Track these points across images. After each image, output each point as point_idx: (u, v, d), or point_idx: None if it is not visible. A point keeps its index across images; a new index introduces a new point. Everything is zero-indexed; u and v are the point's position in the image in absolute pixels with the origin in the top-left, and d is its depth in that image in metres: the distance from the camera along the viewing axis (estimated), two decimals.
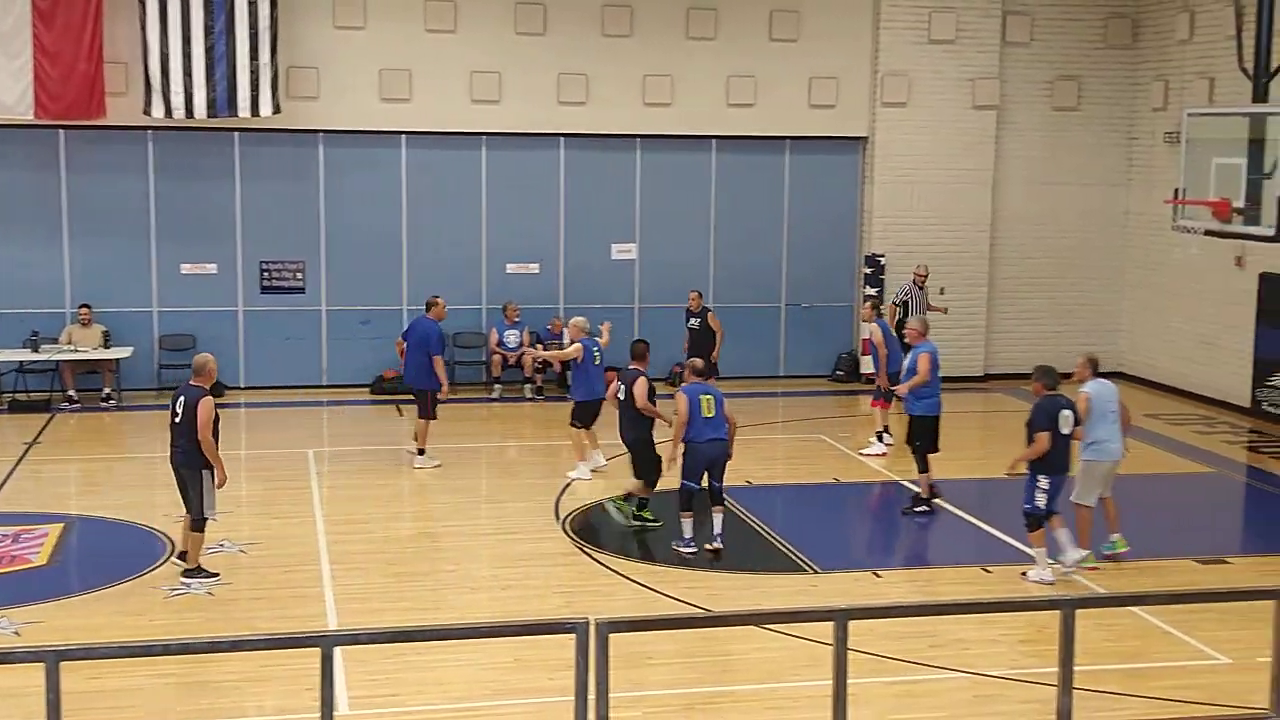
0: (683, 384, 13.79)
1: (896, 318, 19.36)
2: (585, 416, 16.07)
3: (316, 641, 6.68)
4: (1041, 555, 12.59)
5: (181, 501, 12.47)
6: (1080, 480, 13.06)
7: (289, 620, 11.40)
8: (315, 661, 6.62)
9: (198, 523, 12.31)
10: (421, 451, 16.56)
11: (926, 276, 20.56)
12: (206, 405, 12.09)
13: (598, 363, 16.07)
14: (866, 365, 19.59)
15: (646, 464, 14.13)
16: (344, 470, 16.48)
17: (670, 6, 21.33)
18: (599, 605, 11.61)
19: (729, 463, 13.51)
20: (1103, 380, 13.24)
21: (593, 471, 16.06)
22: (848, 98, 21.95)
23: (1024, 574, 12.69)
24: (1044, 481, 12.43)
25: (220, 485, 12.29)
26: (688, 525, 13.43)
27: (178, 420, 12.22)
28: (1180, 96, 21.00)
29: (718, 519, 13.48)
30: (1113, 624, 11.23)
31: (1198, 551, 13.63)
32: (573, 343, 16.19)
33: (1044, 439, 12.30)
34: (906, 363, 15.24)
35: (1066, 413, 12.44)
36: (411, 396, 17.02)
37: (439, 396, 16.50)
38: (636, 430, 14.18)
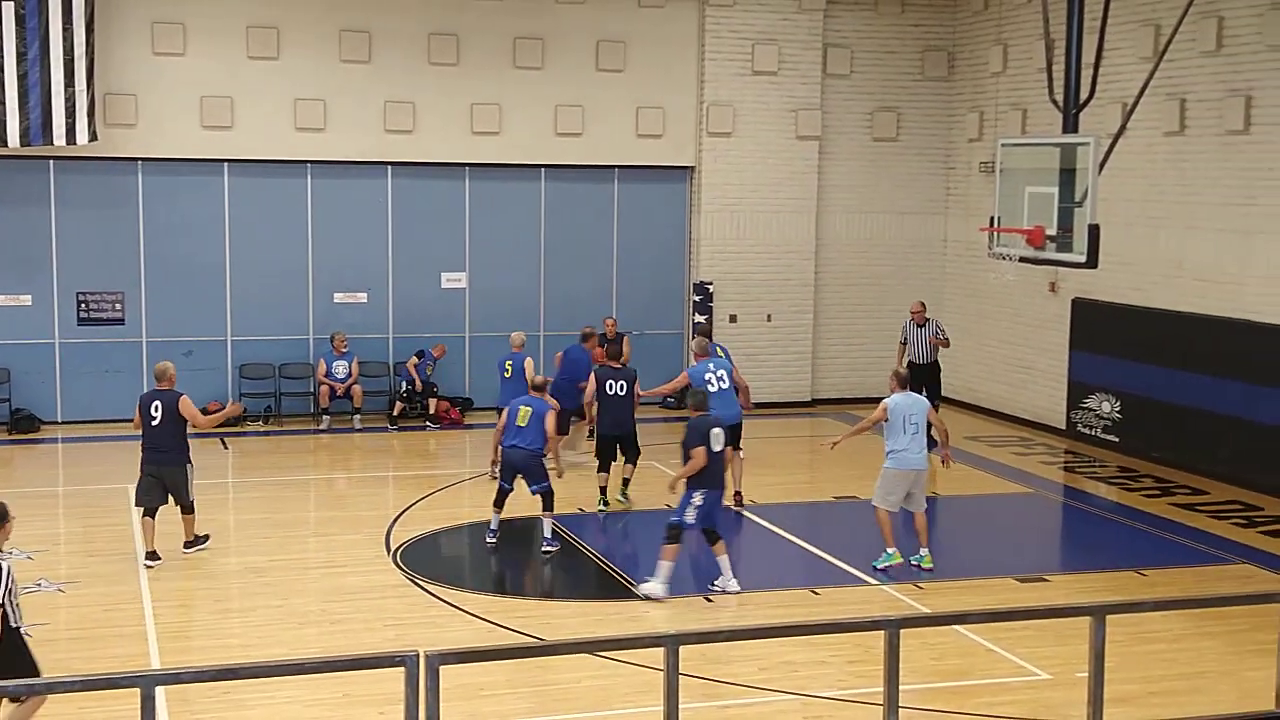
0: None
1: (903, 356, 19.37)
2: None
3: (136, 681, 6.48)
4: (665, 570, 12.86)
5: (141, 499, 13.70)
6: (879, 484, 13.73)
7: (109, 660, 11.08)
8: (136, 702, 6.44)
9: (188, 507, 13.87)
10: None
11: (923, 312, 19.64)
12: (185, 401, 13.65)
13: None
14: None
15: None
16: (166, 506, 16.04)
17: (497, 36, 21.35)
18: (431, 637, 11.50)
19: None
20: (909, 393, 13.86)
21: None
22: (674, 127, 22.21)
23: (641, 583, 13.05)
24: (698, 498, 12.89)
25: (238, 413, 15.07)
26: (495, 519, 14.37)
27: (156, 424, 13.58)
28: (994, 127, 21.67)
29: (545, 524, 14.34)
30: (937, 643, 11.48)
31: (1017, 570, 14.02)
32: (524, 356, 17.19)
33: (700, 454, 12.74)
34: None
35: (717, 431, 13.01)
36: None
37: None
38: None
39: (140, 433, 13.91)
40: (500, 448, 14.41)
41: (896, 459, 13.59)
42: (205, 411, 14.93)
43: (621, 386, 15.96)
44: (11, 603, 8.65)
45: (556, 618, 12.49)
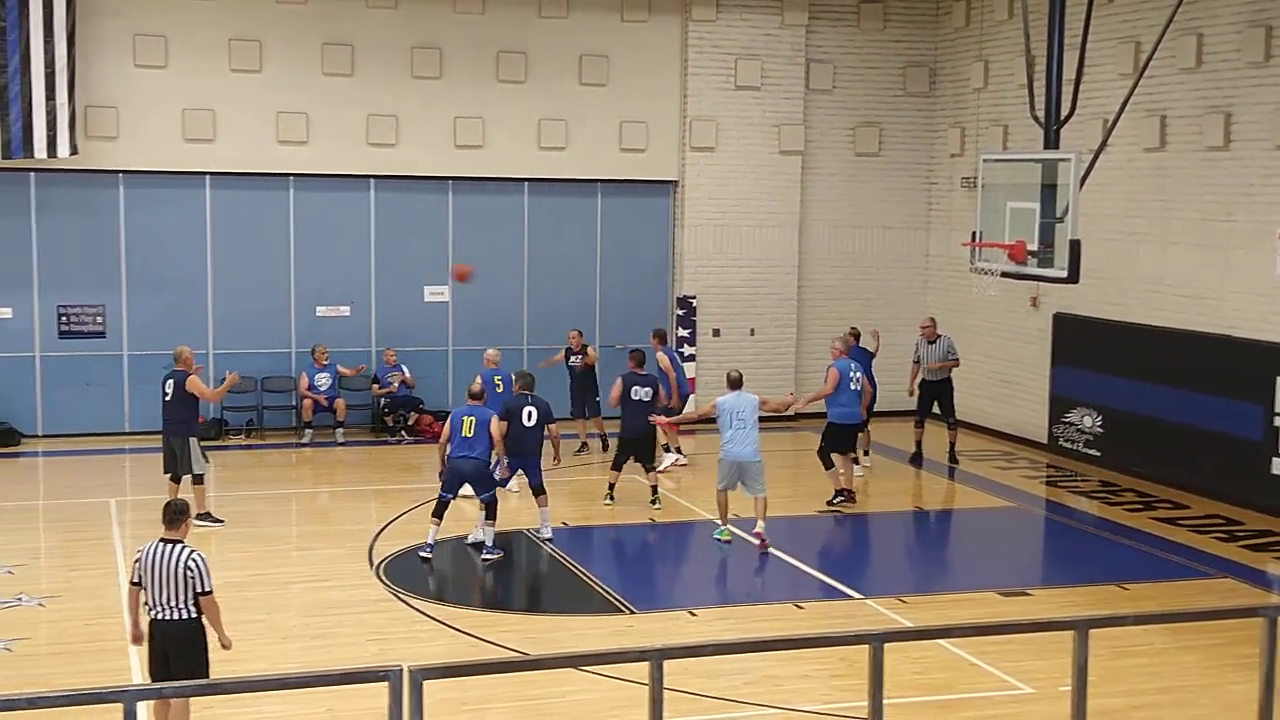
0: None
1: (916, 376, 19.46)
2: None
3: (118, 696, 6.45)
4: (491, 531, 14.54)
5: (167, 467, 15.51)
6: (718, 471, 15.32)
7: (91, 675, 11.00)
8: (119, 718, 6.40)
9: (197, 478, 15.37)
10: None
11: (933, 328, 19.47)
12: (193, 379, 15.42)
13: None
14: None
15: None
16: (148, 520, 15.87)
17: (480, 49, 21.36)
18: (415, 652, 11.47)
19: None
20: (739, 393, 15.24)
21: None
22: (658, 142, 22.24)
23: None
24: (502, 466, 14.96)
25: (237, 381, 16.74)
26: (432, 531, 14.49)
27: (168, 399, 15.47)
28: (976, 143, 21.75)
29: (479, 532, 14.78)
30: (921, 657, 11.49)
31: (1000, 584, 14.03)
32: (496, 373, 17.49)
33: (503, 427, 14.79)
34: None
35: (529, 409, 15.08)
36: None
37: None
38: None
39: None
40: (447, 459, 14.58)
41: (724, 450, 15.26)
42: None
43: (646, 393, 16.81)
44: None
45: (541, 632, 12.46)
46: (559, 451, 16.18)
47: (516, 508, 16.03)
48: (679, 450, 19.24)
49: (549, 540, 15.15)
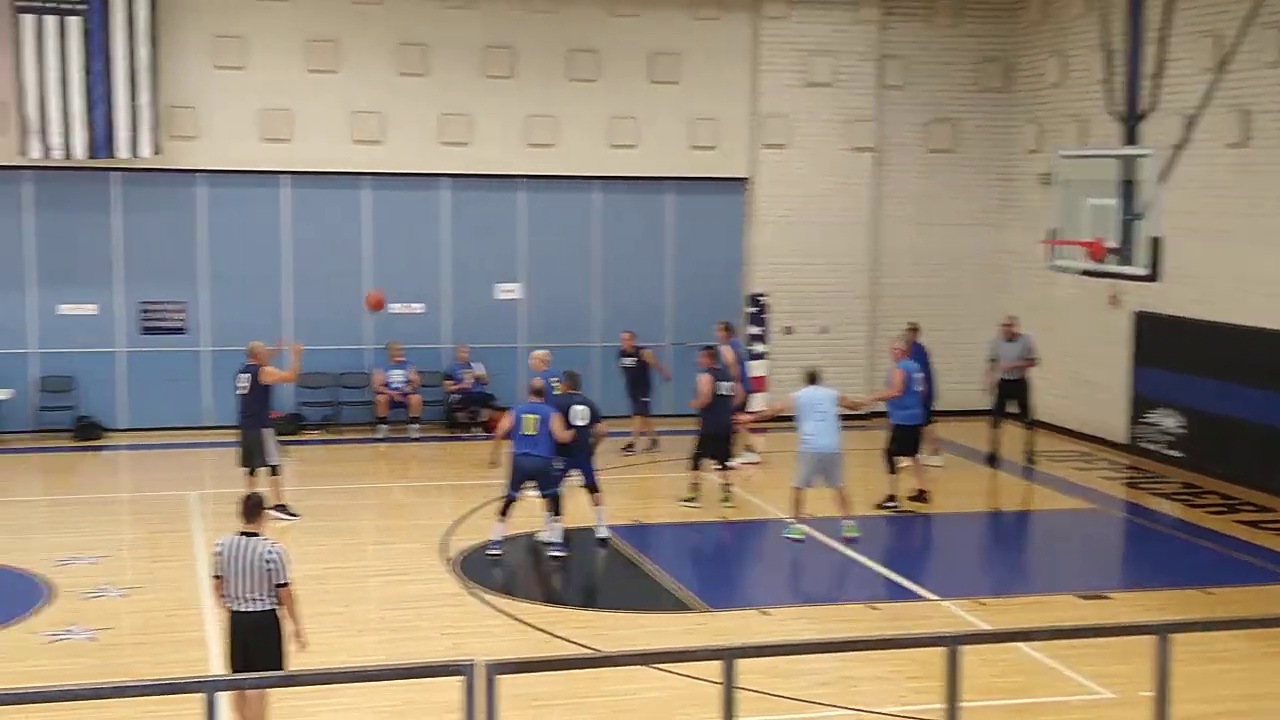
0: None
1: (992, 374, 19.31)
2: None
3: (200, 686, 6.54)
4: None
5: (243, 460, 15.60)
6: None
7: (171, 665, 11.16)
8: (199, 707, 6.49)
9: (273, 469, 15.54)
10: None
11: (1013, 326, 19.25)
12: (267, 370, 15.53)
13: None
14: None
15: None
16: (227, 513, 16.08)
17: (552, 48, 21.43)
18: (488, 647, 11.52)
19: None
20: (816, 387, 15.40)
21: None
22: (729, 139, 22.20)
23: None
24: (558, 463, 14.65)
25: (300, 351, 16.31)
26: (498, 529, 14.48)
27: (243, 393, 15.53)
28: (1052, 139, 21.52)
29: (548, 531, 14.69)
30: (997, 660, 11.37)
31: (1079, 587, 13.85)
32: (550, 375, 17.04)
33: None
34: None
35: (578, 408, 14.78)
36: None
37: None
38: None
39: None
40: (511, 457, 14.56)
41: (804, 442, 15.37)
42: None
43: (729, 388, 16.87)
44: None
45: (611, 629, 12.47)
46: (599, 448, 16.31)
47: (587, 504, 16.03)
48: (751, 449, 19.18)
49: (605, 540, 15.06)
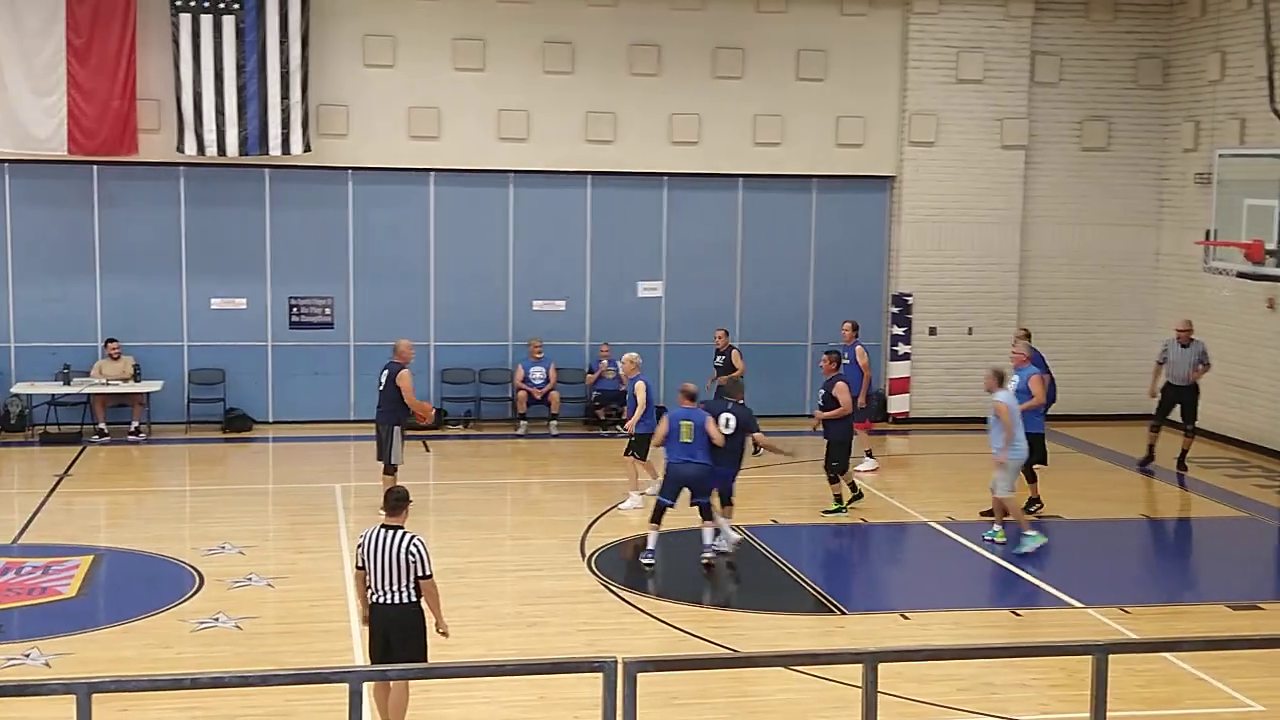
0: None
1: (1159, 377, 18.89)
2: (642, 448, 16.52)
3: (345, 677, 6.64)
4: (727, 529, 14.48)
5: (379, 454, 15.67)
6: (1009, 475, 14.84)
7: (316, 655, 11.37)
8: (343, 697, 6.58)
9: (391, 468, 15.57)
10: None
11: (1189, 331, 18.67)
12: (404, 375, 15.52)
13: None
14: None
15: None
16: (371, 505, 16.43)
17: (698, 46, 21.41)
18: (624, 643, 11.55)
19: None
20: (1008, 391, 15.00)
21: (643, 496, 16.26)
22: (875, 137, 21.97)
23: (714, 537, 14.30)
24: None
25: (426, 419, 16.54)
26: (652, 537, 14.12)
27: (382, 388, 15.64)
28: (1211, 137, 20.93)
29: (707, 533, 14.26)
30: (1144, 669, 11.11)
31: (1230, 597, 13.46)
32: (637, 379, 16.71)
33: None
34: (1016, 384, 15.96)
35: (726, 415, 14.46)
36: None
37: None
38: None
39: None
40: (667, 465, 14.28)
41: (1016, 450, 14.74)
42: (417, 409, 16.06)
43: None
44: None
45: (748, 629, 12.42)
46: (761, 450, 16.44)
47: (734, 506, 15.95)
48: (870, 454, 18.67)
49: (725, 553, 14.51)
